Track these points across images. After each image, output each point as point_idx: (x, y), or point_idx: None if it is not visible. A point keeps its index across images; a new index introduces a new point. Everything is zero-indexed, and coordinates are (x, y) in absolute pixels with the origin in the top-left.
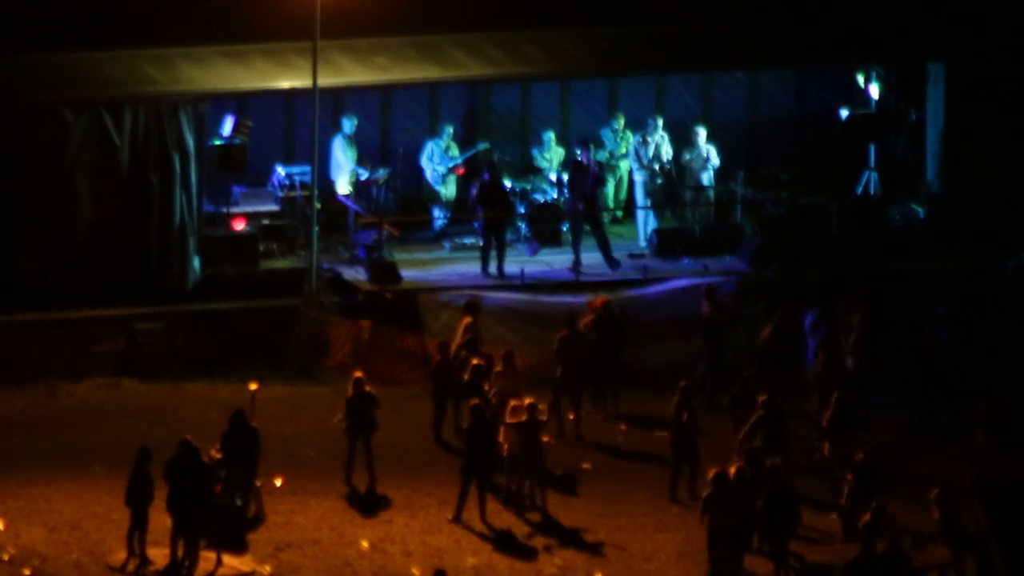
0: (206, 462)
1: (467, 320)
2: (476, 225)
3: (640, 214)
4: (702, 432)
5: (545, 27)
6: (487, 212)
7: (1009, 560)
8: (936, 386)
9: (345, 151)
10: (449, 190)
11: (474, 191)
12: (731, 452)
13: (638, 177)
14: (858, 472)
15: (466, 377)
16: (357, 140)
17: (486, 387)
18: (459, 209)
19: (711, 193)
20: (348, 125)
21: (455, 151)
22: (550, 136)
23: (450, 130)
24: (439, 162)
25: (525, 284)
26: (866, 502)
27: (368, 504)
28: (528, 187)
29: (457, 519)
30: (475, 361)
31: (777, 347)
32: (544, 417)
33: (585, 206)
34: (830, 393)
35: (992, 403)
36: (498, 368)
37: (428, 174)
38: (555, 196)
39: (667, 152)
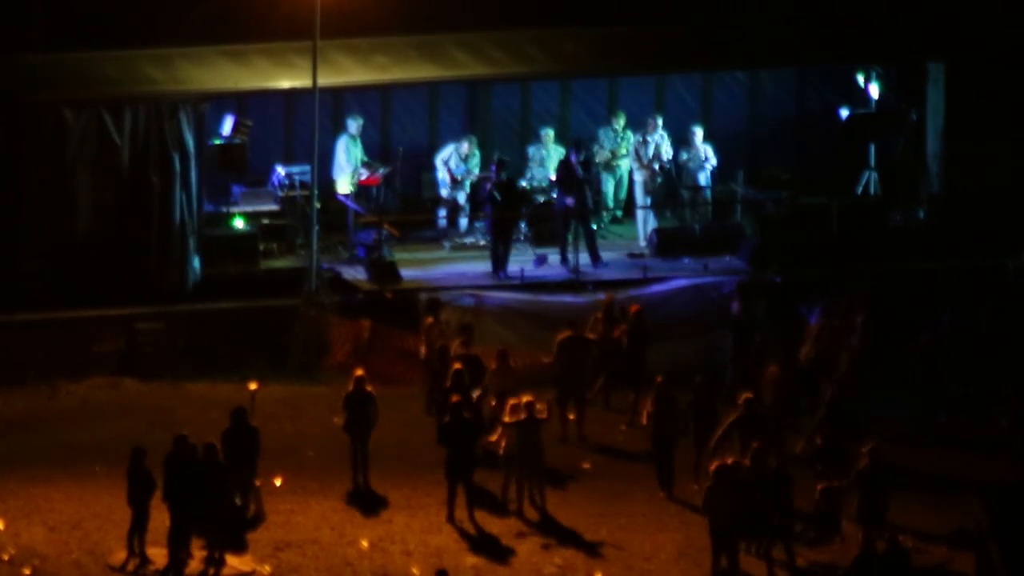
0: (211, 461)
1: (428, 320)
2: (480, 225)
3: (640, 213)
4: (681, 427)
5: (545, 27)
6: (499, 211)
7: (1009, 560)
8: (939, 385)
9: (348, 151)
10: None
11: (488, 187)
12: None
13: (638, 177)
14: (861, 473)
15: (448, 384)
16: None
17: (475, 392)
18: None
19: (708, 193)
20: (353, 125)
21: (476, 161)
22: (548, 133)
23: (474, 139)
24: (455, 167)
25: (525, 284)
26: (871, 501)
27: (368, 504)
28: (528, 187)
29: (450, 519)
30: (456, 366)
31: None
32: (543, 415)
33: (574, 206)
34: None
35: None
36: (492, 366)
37: (439, 175)
38: (555, 195)
39: (667, 151)
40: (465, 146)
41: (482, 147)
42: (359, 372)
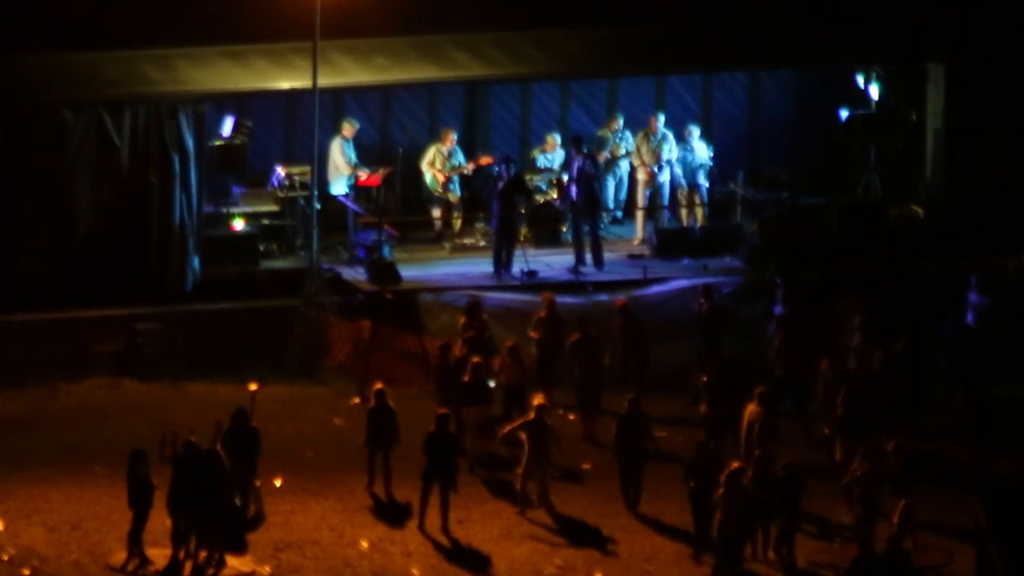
0: (216, 464)
1: (463, 320)
2: (481, 225)
3: (640, 214)
4: (651, 445)
5: (545, 27)
6: (504, 209)
7: (1009, 560)
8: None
9: (344, 153)
10: (453, 188)
11: (500, 186)
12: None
13: (640, 176)
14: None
15: (466, 378)
16: (357, 141)
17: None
18: (467, 209)
19: (705, 193)
20: (348, 128)
21: (460, 157)
22: (556, 138)
23: (453, 131)
24: (440, 167)
25: (525, 284)
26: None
27: (368, 505)
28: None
29: (420, 526)
30: (475, 360)
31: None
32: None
33: (582, 206)
34: (837, 394)
35: (968, 398)
36: (506, 361)
37: (427, 178)
38: (556, 196)
39: (668, 151)
40: (448, 141)
41: (482, 148)
42: (379, 386)
